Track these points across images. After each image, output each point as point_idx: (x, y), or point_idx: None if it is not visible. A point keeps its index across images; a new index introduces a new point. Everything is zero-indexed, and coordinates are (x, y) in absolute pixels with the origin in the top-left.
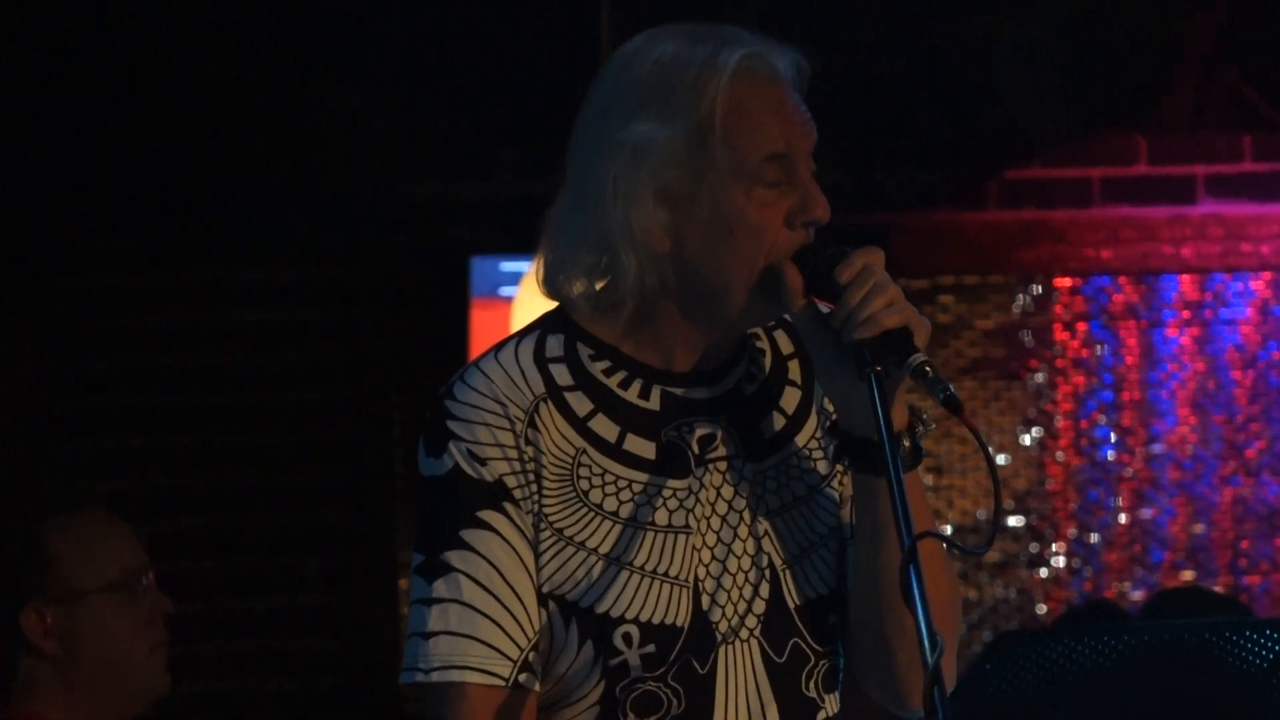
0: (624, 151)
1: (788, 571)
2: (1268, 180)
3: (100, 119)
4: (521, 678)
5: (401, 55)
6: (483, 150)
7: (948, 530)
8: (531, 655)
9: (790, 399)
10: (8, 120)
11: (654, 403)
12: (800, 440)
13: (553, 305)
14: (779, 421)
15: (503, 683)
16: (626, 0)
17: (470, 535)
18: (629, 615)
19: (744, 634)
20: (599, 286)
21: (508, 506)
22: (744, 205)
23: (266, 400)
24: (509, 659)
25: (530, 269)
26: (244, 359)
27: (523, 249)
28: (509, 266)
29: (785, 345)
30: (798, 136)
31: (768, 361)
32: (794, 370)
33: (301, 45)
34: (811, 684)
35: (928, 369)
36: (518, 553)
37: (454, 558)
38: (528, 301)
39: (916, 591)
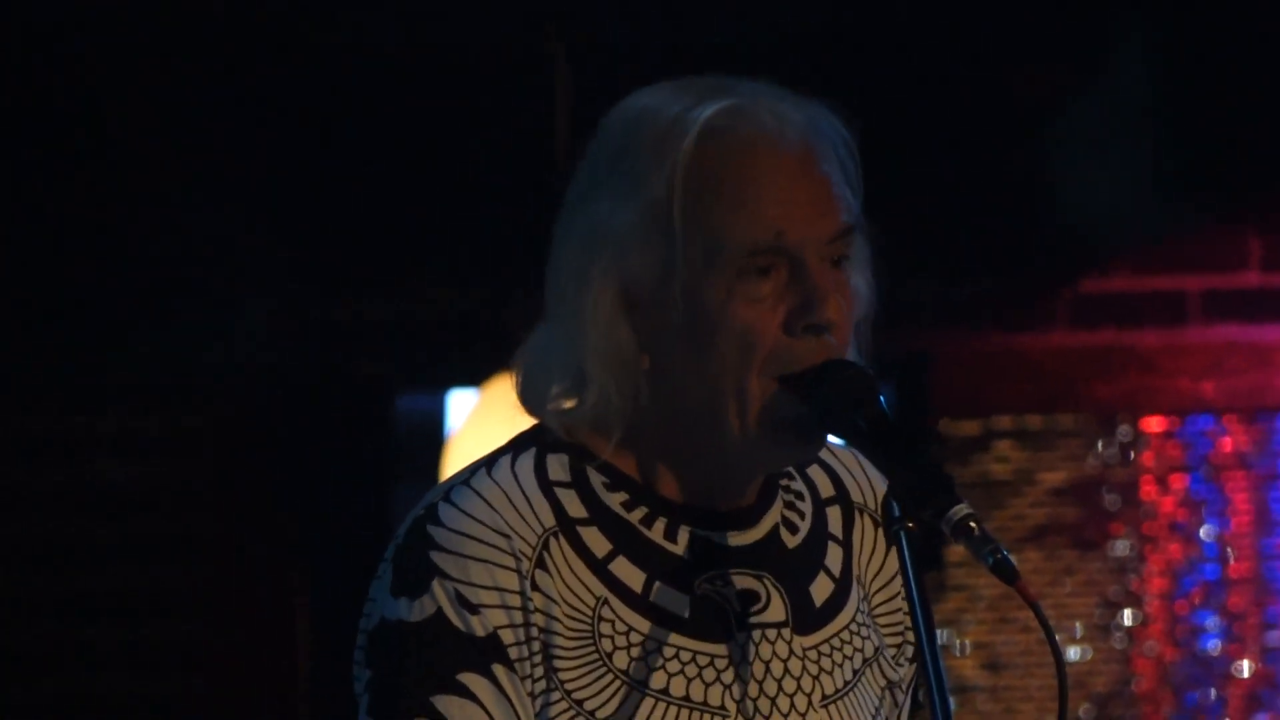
0: (580, 241)
1: None
2: None
3: None
4: None
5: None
6: (401, 264)
7: None
8: None
9: (834, 558)
10: None
11: (682, 547)
12: (849, 612)
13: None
14: (827, 587)
15: None
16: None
17: (445, 703)
18: None
19: None
20: (571, 405)
21: (498, 670)
22: (724, 303)
23: (130, 580)
24: None
25: (473, 404)
26: (100, 526)
27: (461, 381)
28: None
29: (825, 487)
30: (801, 219)
31: (808, 509)
32: (834, 521)
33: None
34: None
35: (972, 525)
36: None
37: None
38: (472, 435)
39: None
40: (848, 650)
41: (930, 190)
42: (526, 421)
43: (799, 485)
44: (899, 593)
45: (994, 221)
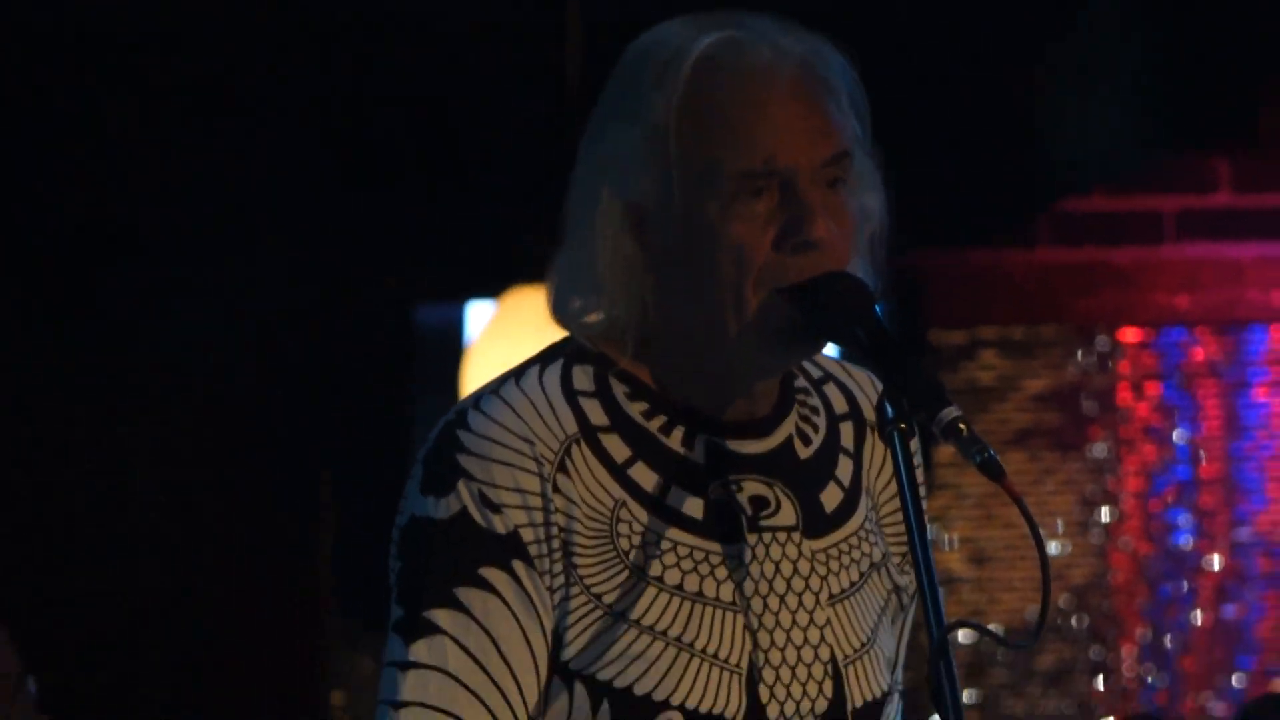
0: (593, 163)
1: (850, 669)
2: None
3: None
4: None
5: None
6: (425, 178)
7: (994, 631)
8: None
9: (845, 469)
10: None
11: (699, 453)
12: (856, 520)
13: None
14: (836, 495)
15: None
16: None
17: (466, 594)
18: (674, 700)
19: None
20: (600, 319)
21: (518, 566)
22: (718, 220)
23: (163, 481)
24: None
25: (490, 315)
26: (134, 432)
27: (480, 293)
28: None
29: (839, 404)
30: (792, 144)
31: (822, 423)
32: (846, 435)
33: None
34: None
35: (962, 426)
36: (520, 623)
37: (442, 618)
38: (490, 346)
39: (949, 695)
40: (855, 554)
41: (922, 120)
42: (540, 330)
43: (815, 401)
44: (898, 508)
45: (982, 147)
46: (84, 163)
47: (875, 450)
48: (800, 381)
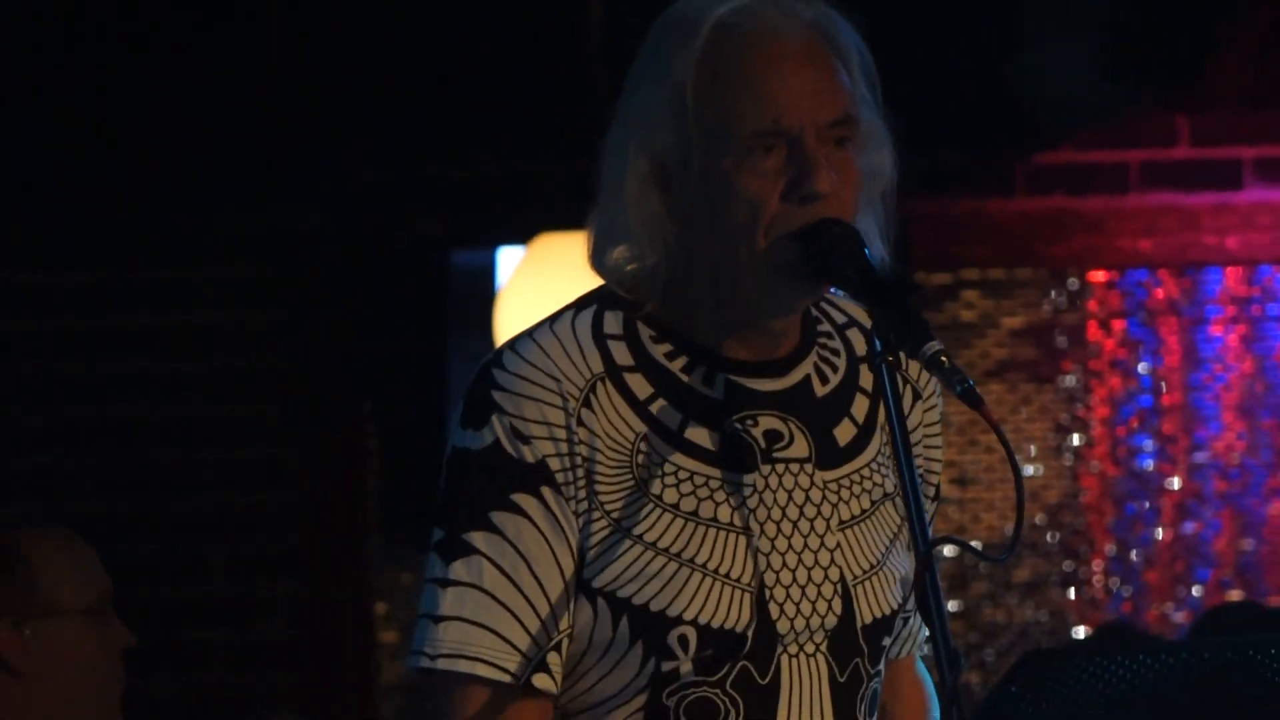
0: (623, 121)
1: (859, 588)
2: None
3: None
4: (536, 679)
5: (366, 26)
6: (458, 131)
7: (974, 546)
8: (551, 657)
9: (860, 407)
10: None
11: (718, 391)
12: (870, 453)
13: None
14: (850, 430)
15: (514, 681)
16: None
17: (500, 518)
18: (687, 616)
19: (810, 648)
20: (634, 267)
21: (546, 492)
22: (732, 175)
23: (218, 412)
24: (525, 657)
25: (520, 257)
26: (187, 366)
27: (511, 239)
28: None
29: (860, 347)
30: (799, 105)
31: (842, 364)
32: (865, 377)
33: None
34: (862, 707)
35: (944, 359)
36: (549, 544)
37: (478, 539)
38: (519, 287)
39: (933, 603)
40: (867, 485)
41: (909, 75)
42: (563, 274)
43: (836, 344)
44: (918, 442)
45: (965, 106)
46: (144, 112)
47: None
48: (824, 326)
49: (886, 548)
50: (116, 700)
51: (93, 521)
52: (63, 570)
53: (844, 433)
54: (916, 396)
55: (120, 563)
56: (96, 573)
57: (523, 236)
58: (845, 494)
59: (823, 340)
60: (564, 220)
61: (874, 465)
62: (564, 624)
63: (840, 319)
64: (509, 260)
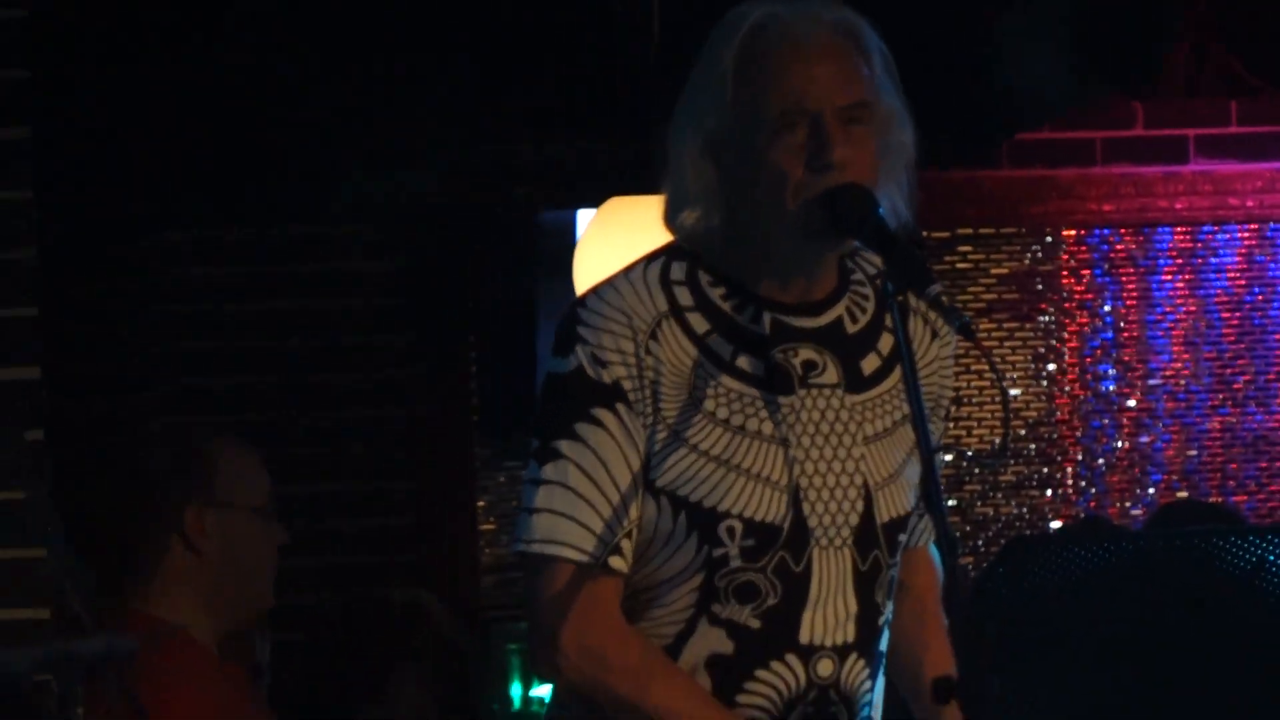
0: (683, 105)
1: (879, 493)
2: (1251, 141)
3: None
4: (611, 560)
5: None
6: (544, 116)
7: (968, 454)
8: (624, 542)
9: (886, 344)
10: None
11: (764, 327)
12: (891, 381)
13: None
14: (875, 362)
15: (592, 561)
16: None
17: (582, 428)
18: (733, 510)
19: (837, 542)
20: (700, 226)
21: (620, 407)
22: (765, 150)
23: (352, 343)
24: (602, 542)
25: (592, 217)
26: (327, 305)
27: (586, 202)
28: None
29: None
30: (819, 91)
31: (870, 306)
32: (889, 319)
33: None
34: (880, 592)
35: (944, 299)
36: (623, 449)
37: (565, 446)
38: (592, 241)
39: (936, 498)
40: (888, 408)
41: (916, 71)
42: (627, 231)
43: (866, 290)
44: (934, 372)
45: (960, 92)
46: (246, 74)
47: (915, 330)
48: (857, 275)
49: (904, 460)
50: (271, 584)
51: (253, 431)
52: (239, 471)
53: (869, 364)
54: (935, 336)
55: (275, 465)
56: (263, 476)
57: (595, 201)
58: (869, 414)
59: (855, 287)
60: (627, 188)
61: (895, 391)
62: (634, 515)
63: (871, 270)
64: (584, 219)
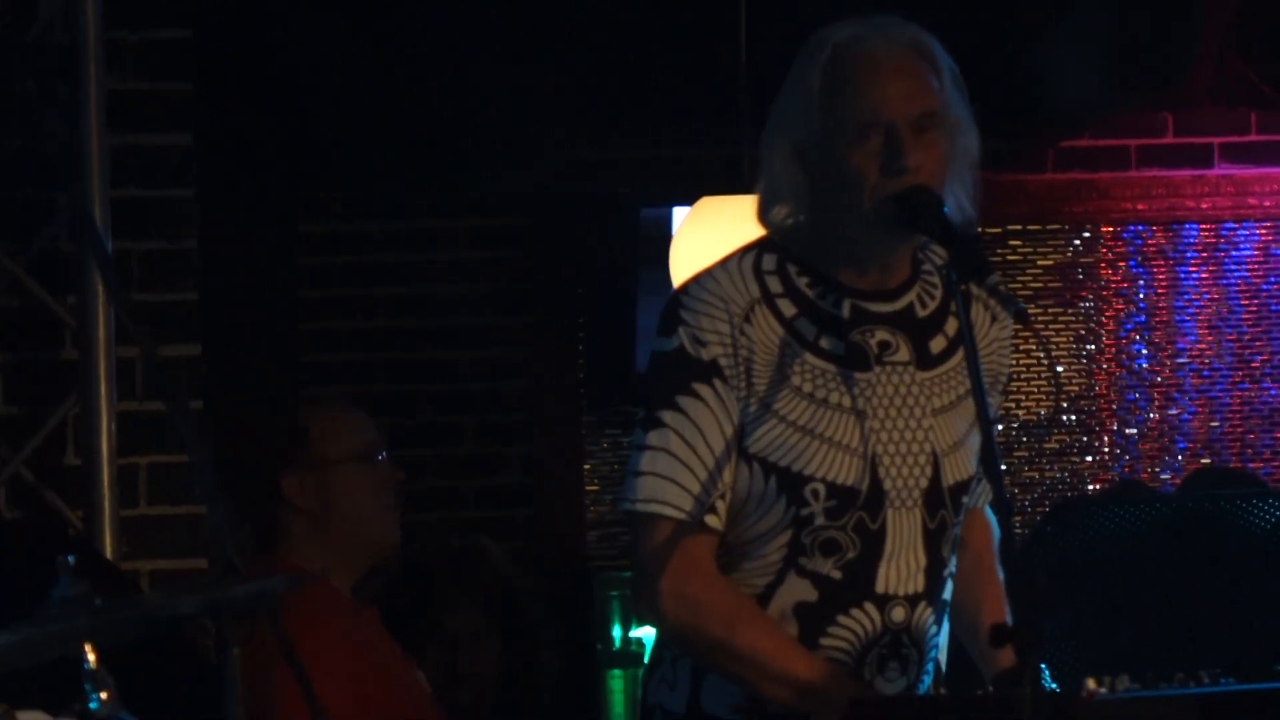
0: (775, 114)
1: (945, 459)
2: (1269, 148)
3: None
4: (707, 519)
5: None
6: (646, 124)
7: (1015, 424)
8: (719, 503)
9: (951, 326)
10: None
11: (845, 312)
12: (956, 359)
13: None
14: (942, 342)
15: (690, 519)
16: None
17: (683, 400)
18: (817, 474)
19: (909, 502)
20: (790, 222)
21: (717, 383)
22: (845, 156)
23: (474, 322)
24: (699, 501)
25: (686, 214)
26: (452, 289)
27: (681, 200)
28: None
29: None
30: (892, 103)
31: (938, 294)
32: (954, 304)
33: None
34: (946, 547)
35: (1001, 287)
36: (718, 420)
37: (667, 416)
38: (686, 235)
39: (994, 463)
40: (953, 383)
41: (976, 91)
42: (718, 228)
43: (935, 279)
44: (993, 352)
45: (1013, 106)
46: (379, 67)
47: (977, 315)
48: (927, 266)
49: (966, 430)
50: (393, 523)
51: (385, 399)
52: (330, 429)
53: (937, 344)
54: (994, 319)
55: (403, 433)
56: (362, 427)
57: (689, 199)
58: (937, 389)
59: (925, 276)
60: (718, 188)
61: (959, 369)
62: (727, 478)
63: (938, 262)
64: (679, 216)
